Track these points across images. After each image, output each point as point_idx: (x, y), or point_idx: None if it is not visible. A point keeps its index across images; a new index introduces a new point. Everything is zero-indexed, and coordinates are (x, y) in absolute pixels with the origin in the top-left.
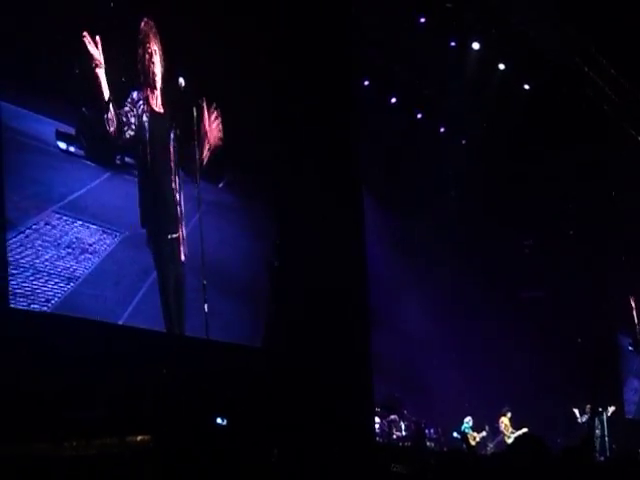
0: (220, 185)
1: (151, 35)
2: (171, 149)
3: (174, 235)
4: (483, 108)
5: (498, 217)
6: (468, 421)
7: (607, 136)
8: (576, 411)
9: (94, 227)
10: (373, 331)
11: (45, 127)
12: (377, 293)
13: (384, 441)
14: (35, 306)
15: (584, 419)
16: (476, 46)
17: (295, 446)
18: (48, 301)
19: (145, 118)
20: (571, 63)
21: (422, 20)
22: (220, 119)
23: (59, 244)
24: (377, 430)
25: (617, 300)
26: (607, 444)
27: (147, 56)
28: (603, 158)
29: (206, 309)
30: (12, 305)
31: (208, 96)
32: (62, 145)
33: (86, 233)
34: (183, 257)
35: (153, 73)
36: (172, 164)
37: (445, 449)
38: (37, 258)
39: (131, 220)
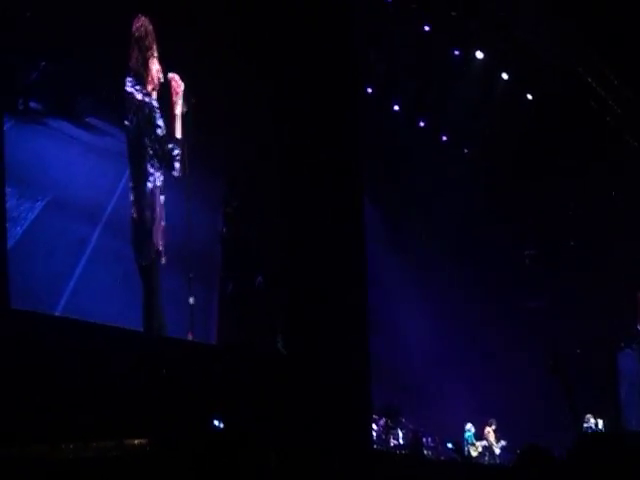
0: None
1: (148, 31)
2: (159, 141)
3: (156, 226)
4: (486, 117)
5: (499, 227)
6: (470, 428)
7: (609, 147)
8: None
9: (7, 190)
10: (372, 338)
11: None
12: (377, 300)
13: (381, 447)
14: None
15: (587, 426)
16: (480, 55)
17: (292, 451)
18: None
19: (142, 103)
20: (574, 73)
21: (426, 28)
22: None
23: None
24: (374, 437)
25: (619, 309)
26: None
27: (144, 51)
28: (605, 168)
29: (192, 302)
30: None
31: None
32: None
33: None
34: (162, 249)
35: (149, 68)
36: (157, 158)
37: (442, 458)
38: None
39: (53, 180)
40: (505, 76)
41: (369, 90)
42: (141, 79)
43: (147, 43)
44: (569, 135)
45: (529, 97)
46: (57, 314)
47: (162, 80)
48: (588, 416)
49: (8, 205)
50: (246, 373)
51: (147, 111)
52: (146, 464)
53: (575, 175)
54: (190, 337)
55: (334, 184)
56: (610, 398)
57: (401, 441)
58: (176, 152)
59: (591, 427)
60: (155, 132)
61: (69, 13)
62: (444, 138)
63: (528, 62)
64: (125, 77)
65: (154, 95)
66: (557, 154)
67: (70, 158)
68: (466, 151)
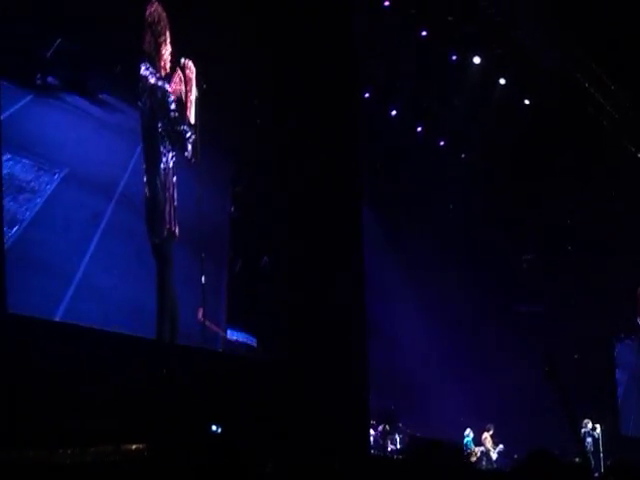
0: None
1: (161, 18)
2: (172, 124)
3: (169, 206)
4: (483, 122)
5: (497, 231)
6: (468, 434)
7: (606, 152)
8: (587, 422)
9: (27, 162)
10: (370, 343)
11: None
12: (375, 305)
13: (378, 452)
14: None
15: (585, 431)
16: (477, 60)
17: (290, 457)
18: None
19: (154, 87)
20: (571, 79)
21: (423, 33)
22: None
23: None
24: (371, 442)
25: (618, 308)
26: (602, 460)
27: (157, 36)
28: (602, 174)
29: (203, 281)
30: None
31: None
32: None
33: (19, 168)
34: (174, 228)
35: (162, 53)
36: (170, 140)
37: None
38: None
39: (69, 155)
40: (502, 81)
41: (367, 95)
42: (154, 63)
43: (160, 29)
44: (567, 140)
45: (526, 102)
46: (73, 287)
47: (175, 65)
48: (586, 421)
49: (30, 176)
50: (244, 378)
51: (160, 95)
52: (143, 469)
53: (573, 179)
54: (201, 314)
55: (333, 184)
56: (608, 402)
57: (398, 446)
58: (189, 134)
59: (589, 432)
60: (168, 115)
61: None
62: (442, 143)
63: (526, 67)
64: (138, 59)
65: (167, 79)
66: (555, 159)
67: (84, 133)
68: (463, 156)
